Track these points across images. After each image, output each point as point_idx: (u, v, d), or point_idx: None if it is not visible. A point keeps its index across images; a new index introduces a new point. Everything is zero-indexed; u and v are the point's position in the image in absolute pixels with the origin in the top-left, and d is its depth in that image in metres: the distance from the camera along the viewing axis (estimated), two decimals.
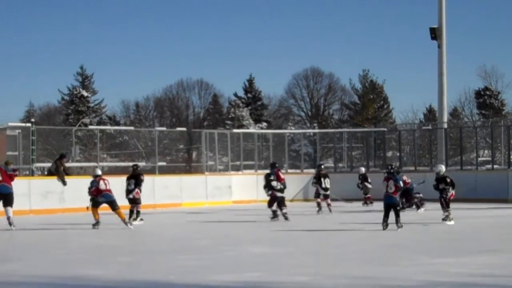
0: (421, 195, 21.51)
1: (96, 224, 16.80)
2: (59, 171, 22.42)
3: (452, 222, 16.79)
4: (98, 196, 16.69)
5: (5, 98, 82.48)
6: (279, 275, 9.39)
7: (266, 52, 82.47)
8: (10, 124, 24.66)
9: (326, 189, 20.90)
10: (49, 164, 24.57)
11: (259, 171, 28.15)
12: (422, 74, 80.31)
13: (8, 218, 16.44)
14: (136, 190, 18.35)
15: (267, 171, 28.18)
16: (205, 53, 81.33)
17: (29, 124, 24.12)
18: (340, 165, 30.94)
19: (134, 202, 18.37)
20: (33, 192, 21.69)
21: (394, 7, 79.50)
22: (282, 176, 19.43)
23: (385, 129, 33.70)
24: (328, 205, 20.90)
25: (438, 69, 31.65)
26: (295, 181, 26.24)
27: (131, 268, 10.26)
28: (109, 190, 16.83)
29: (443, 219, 16.93)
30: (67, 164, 23.65)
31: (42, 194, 21.62)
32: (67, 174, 22.80)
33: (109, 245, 13.65)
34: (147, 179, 23.75)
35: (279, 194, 18.50)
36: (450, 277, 9.11)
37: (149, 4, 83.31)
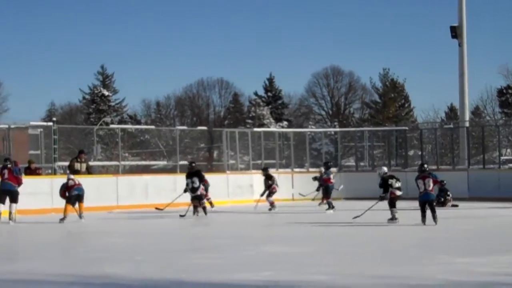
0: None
1: (63, 219, 17.52)
2: (71, 165, 22.28)
3: (394, 222, 16.39)
4: (71, 190, 17.79)
5: (27, 97, 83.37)
6: (298, 274, 9.31)
7: (286, 51, 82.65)
8: (32, 123, 24.76)
9: None
10: None
11: (280, 170, 28.11)
12: (443, 73, 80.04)
13: (10, 213, 17.45)
14: (202, 186, 19.16)
15: (288, 170, 28.50)
16: (225, 52, 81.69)
17: (50, 123, 24.18)
18: (362, 164, 30.81)
19: (199, 198, 19.17)
20: (55, 191, 21.71)
21: (414, 5, 79.32)
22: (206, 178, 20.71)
23: (407, 128, 33.36)
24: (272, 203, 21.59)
25: (459, 68, 31.40)
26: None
27: (145, 266, 10.19)
28: (79, 184, 18.07)
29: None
30: (90, 163, 23.66)
31: None
32: (89, 173, 22.82)
33: (128, 243, 13.65)
34: (169, 178, 23.89)
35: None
36: (473, 276, 8.99)
37: (170, 3, 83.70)
